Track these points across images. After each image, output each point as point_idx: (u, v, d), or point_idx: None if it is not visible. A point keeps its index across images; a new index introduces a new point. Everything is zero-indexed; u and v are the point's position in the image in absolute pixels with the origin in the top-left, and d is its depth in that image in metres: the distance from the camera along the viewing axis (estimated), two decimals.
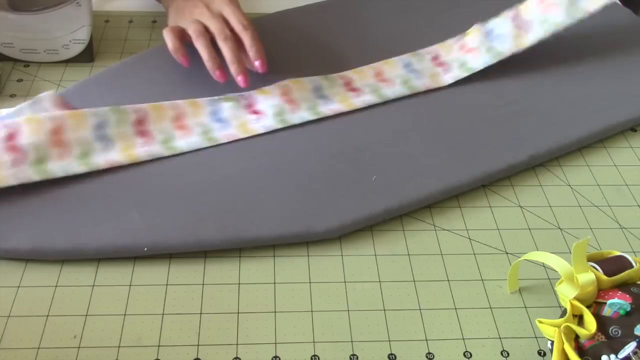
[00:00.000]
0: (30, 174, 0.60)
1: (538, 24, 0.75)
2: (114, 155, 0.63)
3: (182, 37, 0.70)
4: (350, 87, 0.73)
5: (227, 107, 0.69)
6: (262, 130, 0.68)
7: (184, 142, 0.66)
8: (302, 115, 0.70)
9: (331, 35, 0.82)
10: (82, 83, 0.73)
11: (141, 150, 0.64)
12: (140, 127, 0.66)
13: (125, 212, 0.59)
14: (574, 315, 0.52)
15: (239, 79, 0.68)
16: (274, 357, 0.52)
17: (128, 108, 0.66)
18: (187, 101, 0.69)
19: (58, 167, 0.61)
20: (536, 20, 0.75)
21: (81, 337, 0.52)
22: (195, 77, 0.74)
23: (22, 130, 0.61)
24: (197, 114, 0.68)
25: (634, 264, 0.54)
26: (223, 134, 0.67)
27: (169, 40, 0.70)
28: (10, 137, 0.61)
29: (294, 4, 0.87)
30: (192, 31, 0.69)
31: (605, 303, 0.51)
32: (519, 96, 0.76)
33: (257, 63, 0.70)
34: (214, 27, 0.69)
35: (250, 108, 0.70)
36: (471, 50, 0.76)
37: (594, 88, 0.78)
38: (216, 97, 0.70)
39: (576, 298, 0.51)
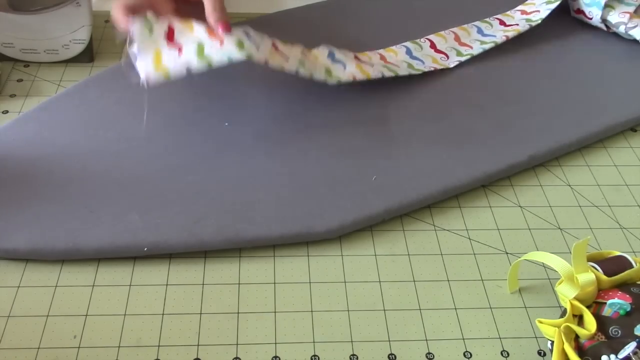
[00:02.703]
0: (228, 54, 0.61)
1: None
2: (350, 69, 0.72)
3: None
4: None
5: (415, 48, 0.79)
6: (452, 65, 0.78)
7: (397, 70, 0.75)
8: (474, 48, 0.80)
9: (332, 35, 0.82)
10: (82, 83, 0.73)
11: (372, 69, 0.73)
12: (358, 60, 0.74)
13: (125, 213, 0.60)
14: (574, 315, 0.52)
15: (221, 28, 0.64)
16: (274, 357, 0.52)
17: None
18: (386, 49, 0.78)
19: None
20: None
21: (81, 337, 0.52)
22: (196, 75, 0.74)
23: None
24: (396, 54, 0.78)
25: (634, 264, 0.54)
26: (421, 67, 0.77)
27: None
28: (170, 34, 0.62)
29: (294, 4, 0.87)
30: None
31: (605, 303, 0.51)
32: (519, 96, 0.76)
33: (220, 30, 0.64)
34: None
35: (434, 48, 0.80)
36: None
37: (594, 88, 0.78)
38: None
39: (576, 298, 0.51)
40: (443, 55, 0.80)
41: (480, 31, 0.83)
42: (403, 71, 0.76)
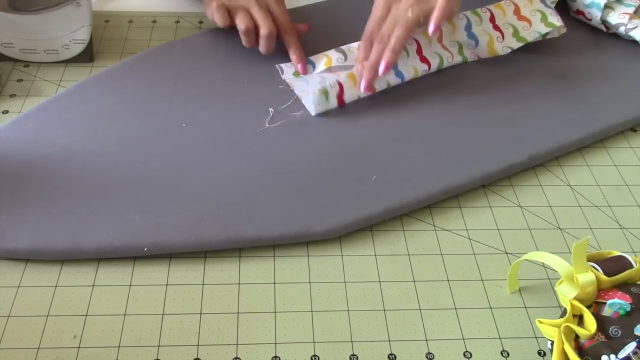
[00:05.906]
0: None
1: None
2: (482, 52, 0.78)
3: (229, 16, 0.76)
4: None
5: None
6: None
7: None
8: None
9: (333, 34, 0.82)
10: (82, 83, 0.73)
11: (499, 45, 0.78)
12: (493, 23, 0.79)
13: (125, 213, 0.60)
14: (574, 315, 0.52)
15: (299, 66, 0.76)
16: (274, 357, 0.52)
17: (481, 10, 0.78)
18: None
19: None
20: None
21: (81, 337, 0.52)
22: (196, 76, 0.74)
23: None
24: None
25: (634, 264, 0.54)
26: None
27: (220, 18, 0.75)
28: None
29: (297, 3, 0.87)
30: (240, 23, 0.74)
31: (605, 303, 0.51)
32: (519, 96, 0.76)
33: (299, 66, 0.75)
34: (262, 20, 0.74)
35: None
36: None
37: (594, 88, 0.78)
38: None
39: (576, 298, 0.51)
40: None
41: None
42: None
